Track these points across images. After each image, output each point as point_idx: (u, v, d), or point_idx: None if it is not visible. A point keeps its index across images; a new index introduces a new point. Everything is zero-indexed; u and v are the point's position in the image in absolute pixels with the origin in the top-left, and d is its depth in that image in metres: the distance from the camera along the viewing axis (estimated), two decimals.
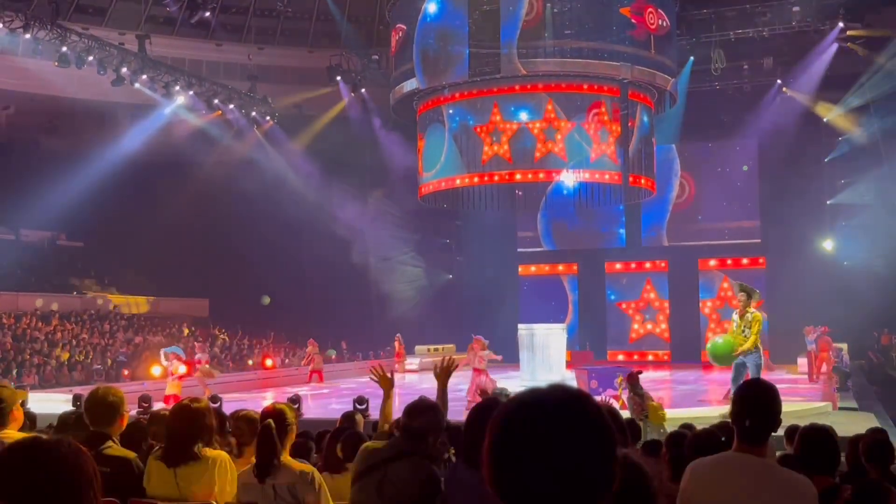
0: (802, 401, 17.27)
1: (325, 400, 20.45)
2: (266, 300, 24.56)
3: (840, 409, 16.66)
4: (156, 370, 19.69)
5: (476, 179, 24.83)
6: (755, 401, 3.37)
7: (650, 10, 24.18)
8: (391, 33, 26.32)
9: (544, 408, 1.49)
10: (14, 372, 21.57)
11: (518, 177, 24.74)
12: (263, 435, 4.37)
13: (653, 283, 32.84)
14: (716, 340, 15.65)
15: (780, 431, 7.90)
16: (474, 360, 17.82)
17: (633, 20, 23.91)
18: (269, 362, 27.19)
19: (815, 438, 4.36)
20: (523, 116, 23.99)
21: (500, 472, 1.47)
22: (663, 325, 32.47)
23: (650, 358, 31.43)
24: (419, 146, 26.16)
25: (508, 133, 24.00)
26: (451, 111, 24.86)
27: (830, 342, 21.98)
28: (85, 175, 27.40)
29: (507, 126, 24.04)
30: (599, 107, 23.92)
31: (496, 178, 24.61)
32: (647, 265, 32.98)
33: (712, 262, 31.88)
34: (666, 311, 32.51)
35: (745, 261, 31.54)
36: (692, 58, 27.78)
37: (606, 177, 24.45)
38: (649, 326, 32.76)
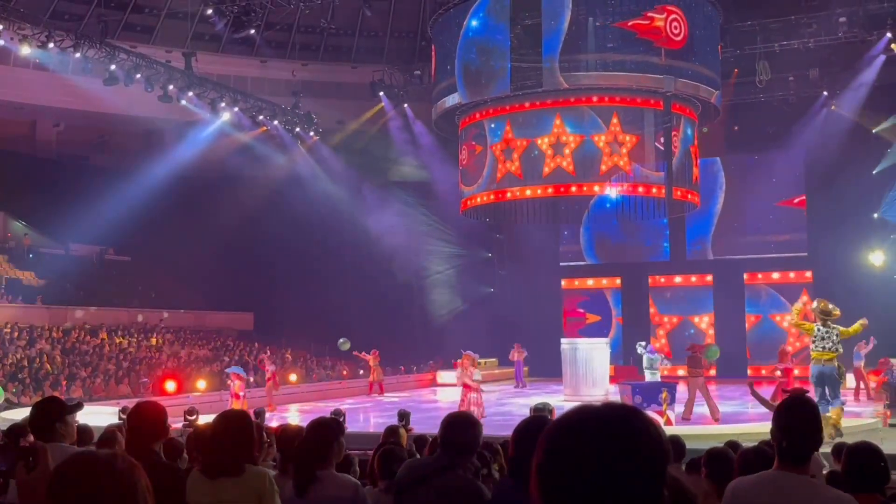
0: (851, 417, 16.96)
1: (366, 414, 20.51)
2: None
3: (891, 425, 16.37)
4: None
5: (492, 197, 24.73)
6: (797, 420, 3.29)
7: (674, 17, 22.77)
8: (432, 50, 26.23)
9: (596, 424, 1.48)
10: (63, 385, 21.90)
11: (528, 192, 24.28)
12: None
13: (653, 300, 33.12)
14: None
15: (828, 448, 7.79)
16: (463, 376, 17.96)
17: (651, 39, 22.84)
18: (293, 377, 26.66)
19: (862, 455, 4.22)
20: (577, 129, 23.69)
21: (548, 488, 1.47)
22: (663, 341, 32.13)
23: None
24: (460, 160, 26.17)
25: (519, 150, 23.86)
26: (492, 125, 24.79)
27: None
28: (133, 190, 27.85)
29: (518, 143, 23.90)
30: (612, 119, 23.57)
31: (508, 194, 24.37)
32: (693, 279, 32.69)
33: (759, 276, 31.55)
34: (666, 327, 32.41)
35: (791, 274, 31.12)
36: (736, 70, 27.55)
37: (620, 188, 24.05)
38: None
